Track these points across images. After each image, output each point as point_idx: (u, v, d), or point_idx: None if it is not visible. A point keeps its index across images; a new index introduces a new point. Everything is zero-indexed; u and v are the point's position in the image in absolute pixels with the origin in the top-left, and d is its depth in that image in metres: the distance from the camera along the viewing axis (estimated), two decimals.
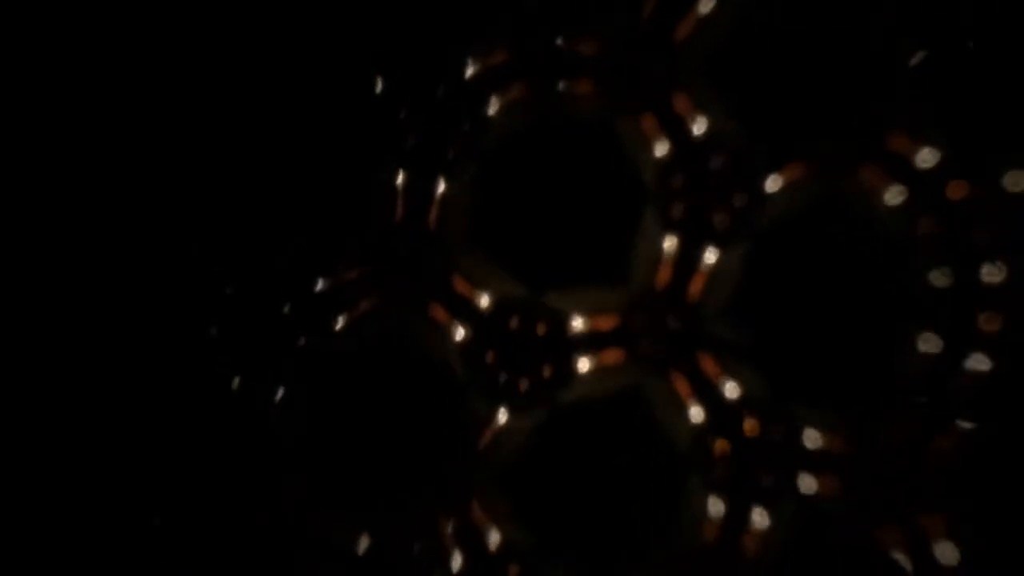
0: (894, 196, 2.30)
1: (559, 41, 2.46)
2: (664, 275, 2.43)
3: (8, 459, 2.28)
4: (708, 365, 2.41)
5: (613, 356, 2.45)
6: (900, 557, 2.24)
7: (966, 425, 2.22)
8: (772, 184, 2.38)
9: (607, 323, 2.46)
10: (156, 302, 2.41)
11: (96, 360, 2.35)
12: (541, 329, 2.44)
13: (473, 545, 2.38)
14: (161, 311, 2.41)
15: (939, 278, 2.26)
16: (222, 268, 2.43)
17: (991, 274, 2.22)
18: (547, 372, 2.43)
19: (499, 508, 2.40)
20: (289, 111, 2.50)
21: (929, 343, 2.27)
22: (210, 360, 2.40)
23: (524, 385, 2.43)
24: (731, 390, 2.39)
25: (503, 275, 2.47)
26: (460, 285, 2.48)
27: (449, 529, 2.39)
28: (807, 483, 2.32)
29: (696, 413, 2.40)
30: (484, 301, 2.47)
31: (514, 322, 2.44)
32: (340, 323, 2.47)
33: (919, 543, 2.22)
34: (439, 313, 2.48)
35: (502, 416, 2.44)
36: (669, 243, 2.43)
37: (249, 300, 2.44)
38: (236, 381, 2.39)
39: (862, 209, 2.34)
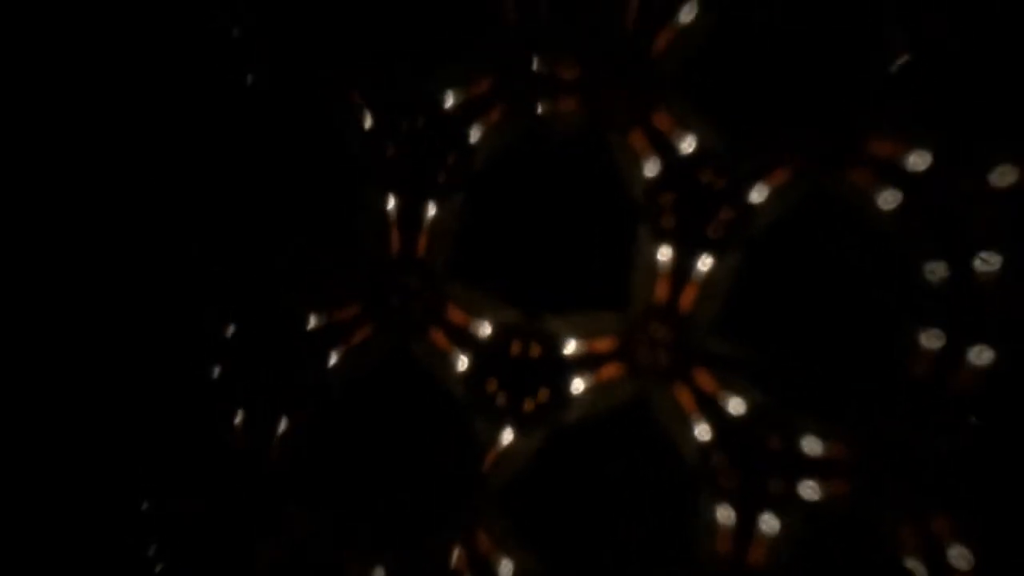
0: (883, 197, 2.27)
1: (538, 65, 2.51)
2: (660, 291, 2.43)
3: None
4: (706, 379, 2.40)
5: (612, 373, 2.46)
6: (913, 563, 2.18)
7: (972, 421, 2.15)
8: (759, 192, 2.38)
9: (605, 343, 2.47)
10: (161, 342, 2.51)
11: (103, 404, 2.45)
12: (538, 352, 2.47)
13: (483, 571, 2.42)
14: (164, 353, 2.51)
15: (933, 273, 2.22)
16: (221, 305, 2.52)
17: (985, 265, 2.16)
18: (547, 393, 2.46)
19: (506, 532, 2.41)
20: (275, 150, 2.59)
21: (931, 339, 2.22)
22: (212, 398, 2.49)
23: (526, 407, 2.46)
24: (733, 404, 2.37)
25: (496, 301, 2.50)
26: (454, 313, 2.52)
27: (458, 556, 2.42)
28: (812, 489, 2.29)
29: (699, 427, 2.39)
30: (480, 327, 2.51)
31: (513, 347, 2.48)
32: (337, 357, 2.53)
33: (931, 546, 2.17)
34: (438, 341, 2.52)
35: (505, 438, 2.46)
36: (663, 257, 2.44)
37: (250, 339, 2.52)
38: (239, 417, 2.48)
39: (850, 209, 2.30)
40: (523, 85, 2.52)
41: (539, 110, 2.51)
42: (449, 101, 2.54)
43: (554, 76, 2.52)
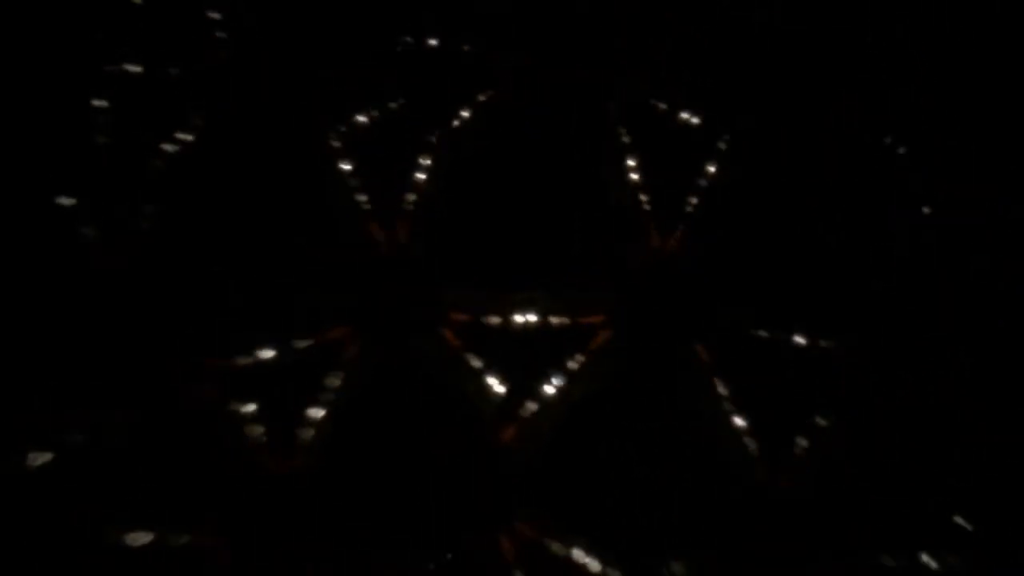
0: None
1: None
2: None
3: None
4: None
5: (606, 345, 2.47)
6: None
7: None
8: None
9: (596, 316, 2.49)
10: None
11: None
12: (534, 329, 2.47)
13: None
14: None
15: None
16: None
17: None
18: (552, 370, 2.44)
19: (542, 517, 2.35)
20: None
21: None
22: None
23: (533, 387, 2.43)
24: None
25: (483, 286, 2.48)
26: (445, 306, 2.48)
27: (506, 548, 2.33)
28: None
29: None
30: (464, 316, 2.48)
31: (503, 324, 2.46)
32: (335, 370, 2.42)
33: None
34: (437, 337, 2.47)
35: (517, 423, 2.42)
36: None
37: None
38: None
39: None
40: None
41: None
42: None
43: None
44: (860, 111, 2.56)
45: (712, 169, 2.53)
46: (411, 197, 2.52)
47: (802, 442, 2.36)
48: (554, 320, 2.48)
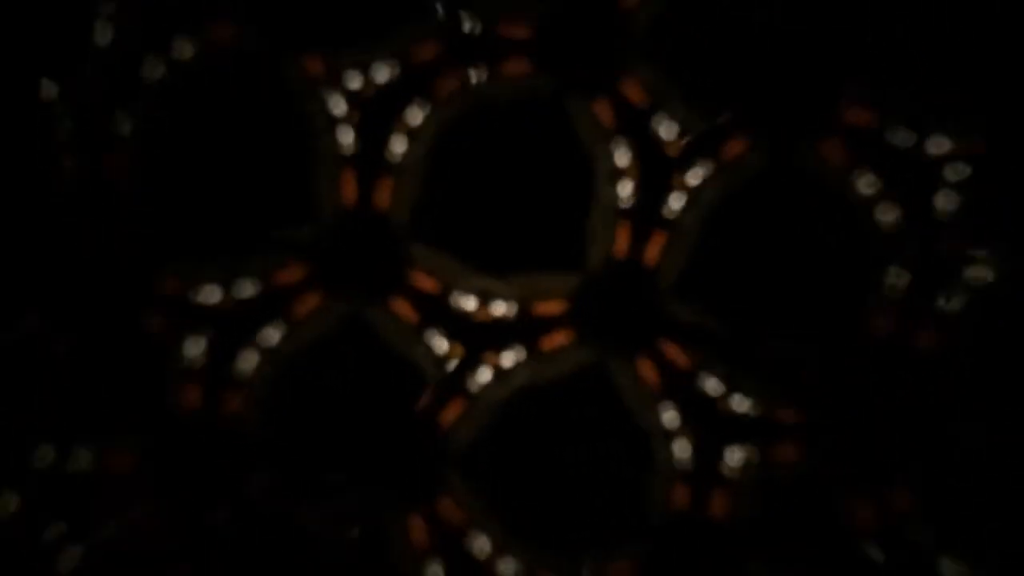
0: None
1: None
2: (617, 253, 2.43)
3: None
4: (666, 343, 2.41)
5: (566, 337, 2.44)
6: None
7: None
8: (719, 159, 2.42)
9: (558, 306, 2.44)
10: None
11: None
12: (494, 313, 2.43)
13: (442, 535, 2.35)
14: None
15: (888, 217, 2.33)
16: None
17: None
18: (503, 356, 2.41)
19: (469, 498, 2.36)
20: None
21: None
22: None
23: (477, 371, 2.41)
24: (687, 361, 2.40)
25: (453, 260, 2.43)
26: (411, 272, 2.43)
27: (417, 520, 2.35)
28: (768, 452, 2.35)
29: (655, 388, 2.40)
30: (433, 286, 2.43)
31: (466, 306, 2.42)
32: (291, 318, 2.40)
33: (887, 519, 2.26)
34: (394, 304, 2.43)
35: (461, 401, 2.40)
36: (621, 223, 2.44)
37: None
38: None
39: (811, 177, 2.37)
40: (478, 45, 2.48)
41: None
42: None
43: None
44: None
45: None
46: (398, 161, 2.47)
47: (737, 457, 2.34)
48: (515, 303, 2.45)
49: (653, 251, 2.42)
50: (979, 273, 2.31)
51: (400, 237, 2.43)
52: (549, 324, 2.44)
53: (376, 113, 2.45)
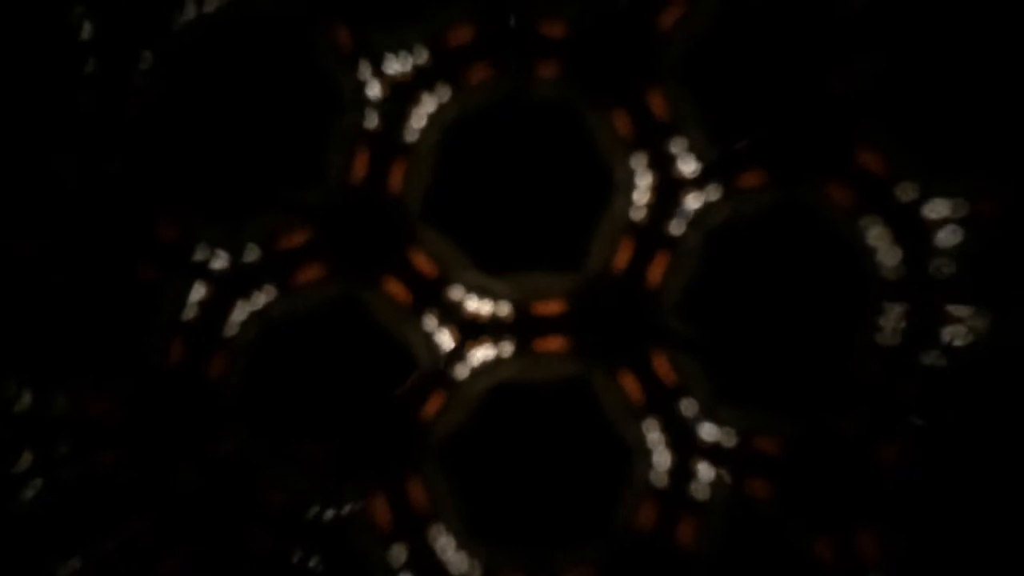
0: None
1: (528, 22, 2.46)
2: (619, 264, 2.43)
3: None
4: (657, 358, 2.41)
5: (559, 342, 2.44)
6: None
7: (916, 422, 2.27)
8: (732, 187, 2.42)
9: (556, 307, 2.44)
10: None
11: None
12: (490, 309, 2.43)
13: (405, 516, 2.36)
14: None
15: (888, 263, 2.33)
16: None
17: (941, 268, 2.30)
18: (491, 351, 2.42)
19: (440, 485, 2.36)
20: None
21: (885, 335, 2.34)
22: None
23: (464, 361, 2.41)
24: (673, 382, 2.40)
25: (456, 250, 2.43)
26: (415, 256, 2.43)
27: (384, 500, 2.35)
28: (742, 483, 2.35)
29: (638, 403, 2.41)
30: (432, 271, 2.43)
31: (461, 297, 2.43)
32: (289, 286, 2.40)
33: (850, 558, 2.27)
34: (392, 284, 2.43)
35: (444, 390, 2.40)
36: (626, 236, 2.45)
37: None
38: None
39: (819, 216, 2.37)
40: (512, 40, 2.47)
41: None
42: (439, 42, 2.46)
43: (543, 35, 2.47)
44: None
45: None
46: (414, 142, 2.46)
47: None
48: (508, 301, 2.45)
49: (655, 269, 2.42)
50: (966, 332, 2.31)
51: (407, 218, 2.42)
52: (542, 325, 2.44)
53: (401, 94, 2.45)
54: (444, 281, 2.42)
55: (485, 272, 2.43)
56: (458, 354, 2.41)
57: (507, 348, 2.42)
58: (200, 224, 2.35)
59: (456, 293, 2.42)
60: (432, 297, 2.42)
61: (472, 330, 2.43)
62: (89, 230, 2.27)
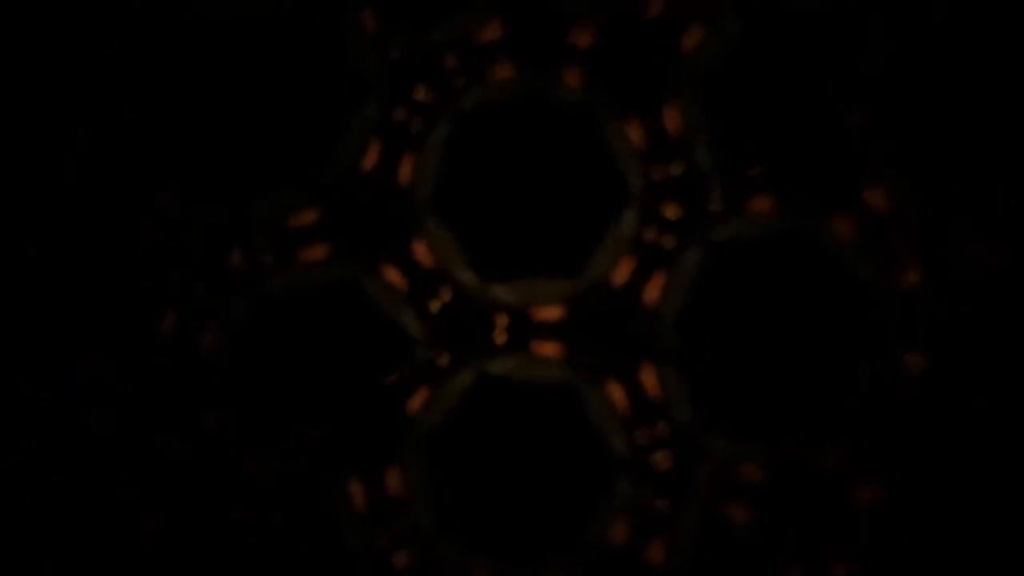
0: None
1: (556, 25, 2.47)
2: (620, 276, 2.43)
3: None
4: (646, 373, 2.41)
5: (552, 347, 2.44)
6: None
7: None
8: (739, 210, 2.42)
9: (551, 313, 2.44)
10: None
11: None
12: (484, 309, 2.44)
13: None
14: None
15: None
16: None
17: None
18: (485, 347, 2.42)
19: (414, 479, 2.38)
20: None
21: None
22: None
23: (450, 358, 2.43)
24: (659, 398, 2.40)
25: (458, 245, 2.43)
26: (417, 247, 2.44)
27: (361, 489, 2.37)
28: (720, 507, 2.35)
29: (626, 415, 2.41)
30: (432, 262, 2.43)
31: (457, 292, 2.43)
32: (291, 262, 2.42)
33: None
34: (391, 272, 2.44)
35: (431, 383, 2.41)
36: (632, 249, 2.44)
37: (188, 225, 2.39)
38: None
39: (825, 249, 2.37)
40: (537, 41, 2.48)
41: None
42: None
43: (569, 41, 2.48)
44: None
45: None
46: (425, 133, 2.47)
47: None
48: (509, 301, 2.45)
49: (653, 287, 2.42)
50: None
51: (413, 208, 2.43)
52: (537, 328, 2.44)
53: (421, 81, 2.46)
54: (443, 274, 2.43)
55: (485, 269, 2.44)
56: (450, 348, 2.42)
57: (499, 347, 2.43)
58: (205, 191, 2.38)
59: (455, 288, 2.43)
60: (431, 289, 2.43)
61: (468, 325, 2.44)
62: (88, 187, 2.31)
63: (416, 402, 2.39)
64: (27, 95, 2.29)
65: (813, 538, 2.30)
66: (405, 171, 2.43)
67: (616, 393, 2.41)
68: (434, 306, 2.42)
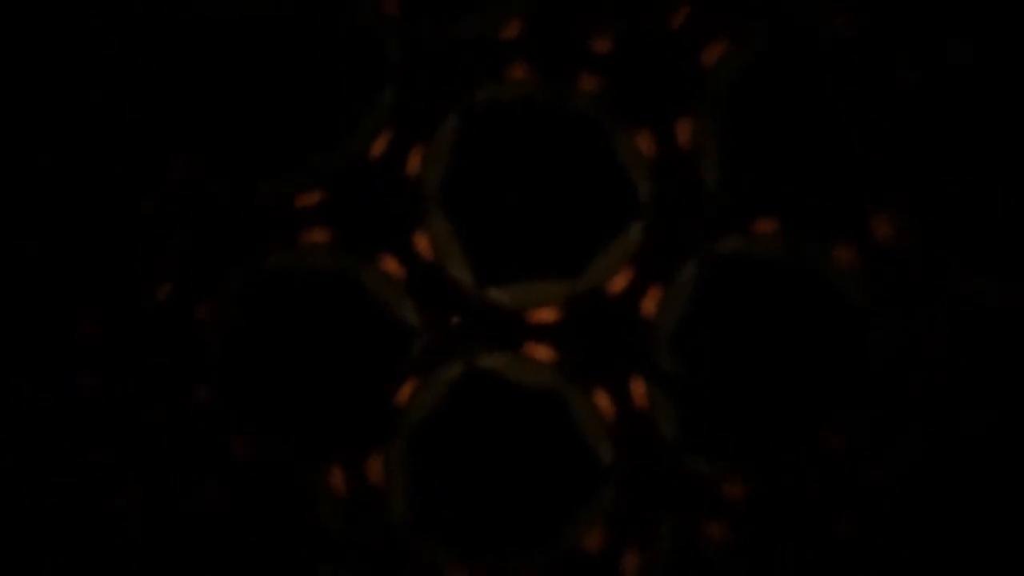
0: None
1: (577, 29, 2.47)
2: (617, 285, 2.43)
3: None
4: (636, 386, 2.41)
5: (543, 351, 2.43)
6: None
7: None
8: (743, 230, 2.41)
9: (547, 315, 2.43)
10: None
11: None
12: (480, 307, 2.43)
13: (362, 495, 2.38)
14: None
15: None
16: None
17: None
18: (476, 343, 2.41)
19: (397, 469, 2.38)
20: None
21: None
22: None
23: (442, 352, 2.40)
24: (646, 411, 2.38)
25: (458, 240, 2.40)
26: (418, 240, 2.43)
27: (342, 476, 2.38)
28: (699, 524, 2.35)
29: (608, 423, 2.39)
30: (432, 255, 2.42)
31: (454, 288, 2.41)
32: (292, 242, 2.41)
33: None
34: (389, 263, 2.44)
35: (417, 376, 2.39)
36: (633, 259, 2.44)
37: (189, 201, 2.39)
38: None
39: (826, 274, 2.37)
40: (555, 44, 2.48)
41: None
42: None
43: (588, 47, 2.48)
44: None
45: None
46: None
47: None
48: (506, 302, 2.45)
49: (650, 298, 2.42)
50: None
51: (419, 200, 2.42)
52: (532, 330, 2.44)
53: (439, 72, 2.46)
54: (442, 269, 2.44)
55: (484, 268, 2.44)
56: (444, 342, 2.43)
57: (492, 345, 2.43)
58: (212, 163, 2.38)
59: (452, 284, 2.44)
60: (429, 282, 2.43)
61: (463, 322, 2.44)
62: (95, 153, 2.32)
63: (404, 393, 2.39)
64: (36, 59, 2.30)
65: (792, 562, 2.30)
66: (414, 162, 2.43)
67: (603, 401, 2.41)
68: (431, 299, 2.42)
